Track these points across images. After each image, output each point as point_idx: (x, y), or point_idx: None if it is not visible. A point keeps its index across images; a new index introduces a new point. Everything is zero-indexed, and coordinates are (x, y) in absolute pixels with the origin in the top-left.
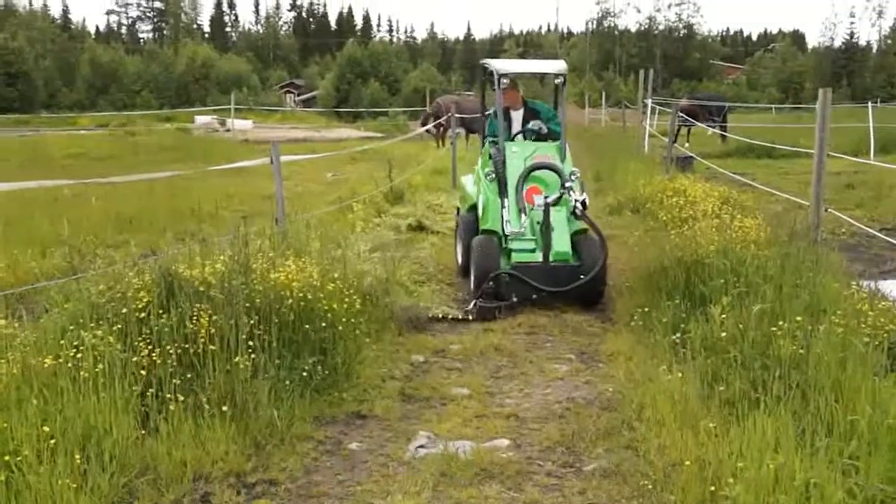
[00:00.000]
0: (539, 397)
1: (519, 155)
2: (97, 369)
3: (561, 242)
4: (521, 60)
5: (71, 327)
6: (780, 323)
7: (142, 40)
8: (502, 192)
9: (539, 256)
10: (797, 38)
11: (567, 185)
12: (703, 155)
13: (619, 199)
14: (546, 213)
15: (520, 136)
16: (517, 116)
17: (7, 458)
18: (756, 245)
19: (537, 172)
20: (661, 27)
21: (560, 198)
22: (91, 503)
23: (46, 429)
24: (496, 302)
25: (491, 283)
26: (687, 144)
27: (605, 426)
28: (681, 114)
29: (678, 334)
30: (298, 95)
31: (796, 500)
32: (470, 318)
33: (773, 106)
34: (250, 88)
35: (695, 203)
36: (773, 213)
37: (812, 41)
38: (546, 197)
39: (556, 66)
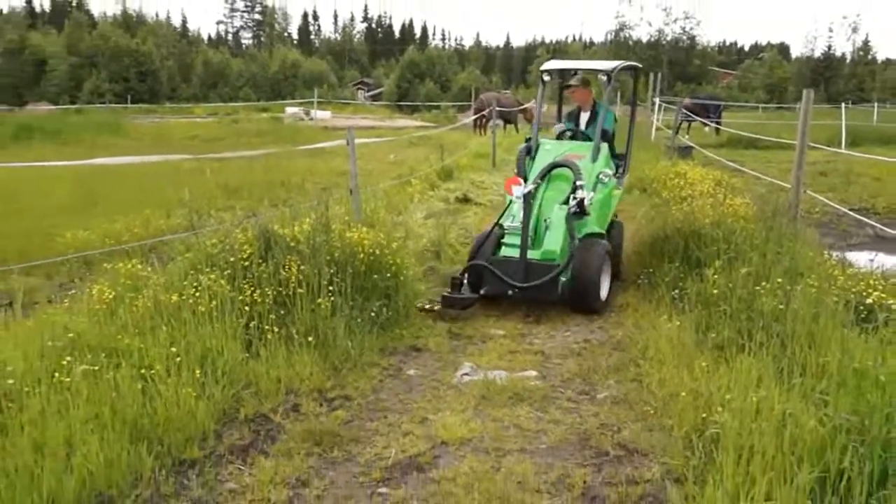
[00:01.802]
0: (561, 339)
1: (550, 153)
2: (211, 305)
3: (551, 241)
4: (571, 61)
5: (191, 272)
6: (764, 283)
7: (244, 45)
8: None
9: (535, 254)
10: (783, 49)
11: (578, 183)
12: (700, 145)
13: (630, 180)
14: (526, 207)
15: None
16: (584, 118)
17: (143, 371)
18: (744, 219)
19: (560, 170)
20: (668, 38)
21: (570, 194)
22: (207, 408)
23: (174, 349)
24: (461, 295)
25: (465, 274)
26: (687, 136)
27: (616, 363)
28: (684, 111)
29: (677, 291)
30: (368, 91)
31: (774, 427)
32: (435, 308)
33: (760, 105)
34: (329, 85)
35: (693, 184)
36: (759, 194)
37: (795, 52)
38: (525, 189)
39: (604, 65)
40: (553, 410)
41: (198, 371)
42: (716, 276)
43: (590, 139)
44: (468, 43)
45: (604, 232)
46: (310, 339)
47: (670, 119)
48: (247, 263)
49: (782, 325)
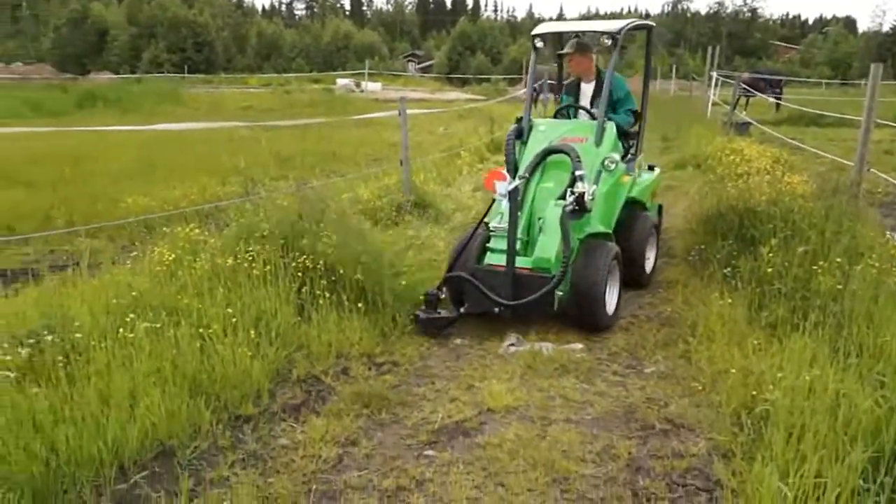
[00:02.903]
0: None
1: (545, 135)
2: (265, 269)
3: (545, 246)
4: (569, 22)
5: (244, 237)
6: (821, 263)
7: (297, 17)
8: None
9: (526, 262)
10: (849, 23)
11: (577, 173)
12: (758, 121)
13: (684, 157)
14: (513, 205)
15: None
16: (587, 89)
17: (202, 330)
18: (802, 198)
19: (557, 157)
20: (728, 10)
21: (568, 188)
22: (261, 367)
23: (230, 310)
24: (436, 314)
25: (442, 288)
26: (744, 112)
27: (664, 339)
28: (743, 85)
29: (729, 268)
30: (418, 63)
31: (828, 406)
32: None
33: (823, 81)
34: (380, 57)
35: (749, 161)
36: (819, 172)
37: (862, 26)
38: (511, 186)
39: (609, 25)
40: (599, 383)
41: (252, 332)
42: (771, 255)
43: (594, 116)
44: (520, 15)
45: (610, 231)
46: (360, 305)
47: (728, 94)
48: (302, 235)
49: (839, 306)
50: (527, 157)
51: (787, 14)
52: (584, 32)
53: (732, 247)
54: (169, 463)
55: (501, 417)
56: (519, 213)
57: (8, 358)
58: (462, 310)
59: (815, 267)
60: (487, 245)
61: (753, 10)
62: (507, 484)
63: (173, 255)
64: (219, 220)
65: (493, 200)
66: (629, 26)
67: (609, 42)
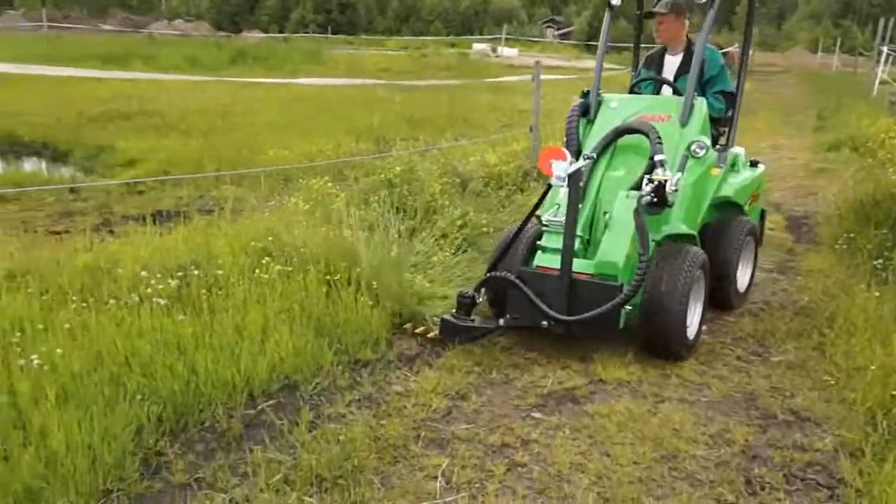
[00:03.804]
0: None
1: (618, 113)
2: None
3: (612, 247)
4: None
5: (371, 193)
6: None
7: None
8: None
9: (586, 266)
10: None
11: (657, 157)
12: None
13: (839, 137)
14: (574, 195)
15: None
16: (673, 62)
17: (328, 277)
18: None
19: (630, 139)
20: None
21: (643, 178)
22: (380, 317)
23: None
24: (469, 321)
25: (481, 290)
26: None
27: (797, 328)
28: None
29: (881, 260)
30: (557, 30)
31: None
32: (429, 335)
33: None
34: (518, 22)
35: None
36: None
37: None
38: (573, 167)
39: None
40: (720, 367)
41: (375, 283)
42: None
43: (679, 92)
44: None
45: (695, 233)
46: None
47: None
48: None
49: None
50: (593, 139)
51: None
52: None
53: (886, 237)
54: (292, 395)
55: (613, 389)
56: (580, 205)
57: (160, 287)
58: (501, 321)
59: None
60: (538, 242)
61: None
62: (613, 454)
63: (307, 206)
64: (349, 176)
65: (549, 187)
66: None
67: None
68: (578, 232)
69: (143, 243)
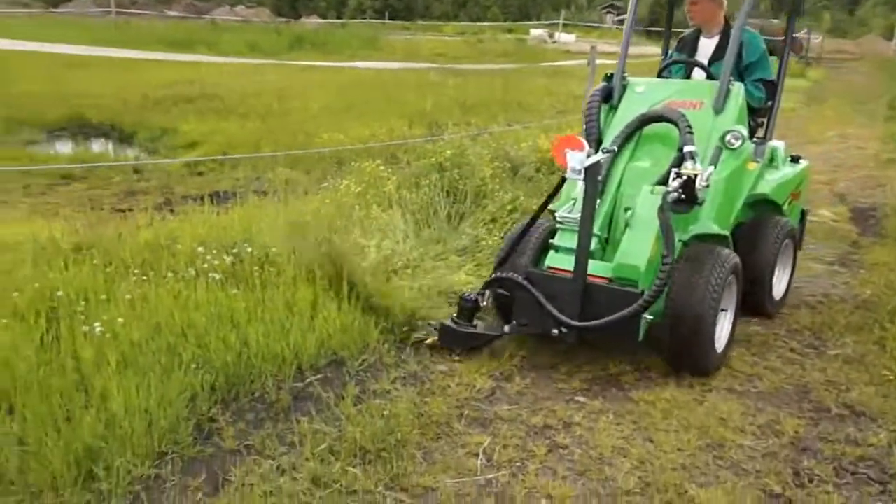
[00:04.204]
0: (794, 289)
1: (644, 98)
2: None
3: (634, 248)
4: None
5: (422, 176)
6: None
7: None
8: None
9: (604, 268)
10: None
11: (686, 149)
12: None
13: None
14: (592, 188)
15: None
16: (708, 45)
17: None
18: None
19: (658, 127)
20: None
21: (671, 173)
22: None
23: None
24: (471, 327)
25: (485, 292)
26: None
27: (856, 322)
28: None
29: None
30: (617, 15)
31: None
32: (427, 341)
33: None
34: (577, 7)
35: None
36: None
37: None
38: (591, 160)
39: None
40: (773, 358)
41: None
42: None
43: (713, 78)
44: None
45: (727, 234)
46: None
47: None
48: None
49: None
50: (616, 126)
51: None
52: None
53: None
54: (339, 370)
55: (659, 377)
56: (598, 200)
57: (216, 263)
58: (507, 328)
59: None
60: (551, 241)
61: None
62: (656, 440)
63: (359, 188)
64: (401, 159)
65: (563, 179)
66: None
67: None
68: (595, 230)
69: (201, 221)
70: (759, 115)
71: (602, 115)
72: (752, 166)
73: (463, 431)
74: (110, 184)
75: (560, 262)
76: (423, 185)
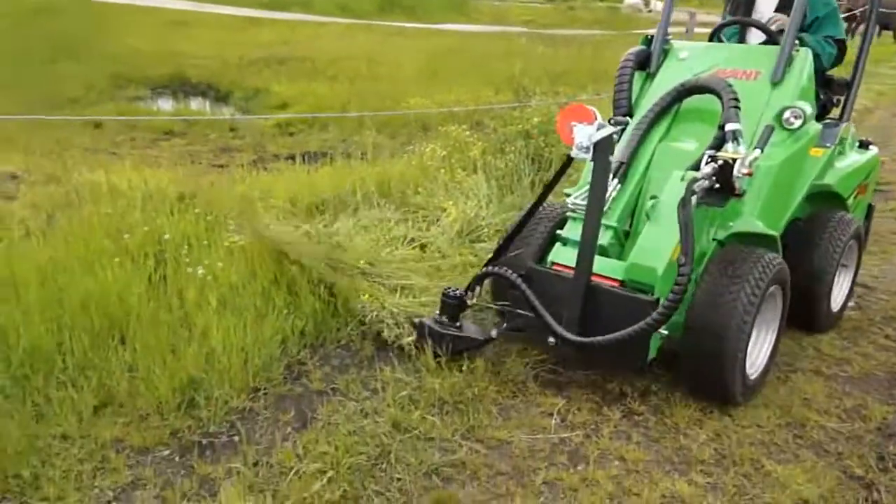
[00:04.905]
0: (895, 274)
1: (688, 66)
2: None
3: (651, 246)
4: None
5: (507, 142)
6: None
7: None
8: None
9: (613, 269)
10: None
11: (728, 127)
12: None
13: None
14: (599, 173)
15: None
16: (766, 4)
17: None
18: None
19: (698, 100)
20: None
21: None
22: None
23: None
24: (454, 328)
25: (472, 289)
26: None
27: None
28: None
29: None
30: None
31: None
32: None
33: None
34: None
35: None
36: None
37: None
38: (601, 134)
39: None
40: (864, 344)
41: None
42: None
43: (772, 39)
44: None
45: (775, 235)
46: None
47: None
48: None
49: None
50: (651, 98)
51: None
52: None
53: None
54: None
55: None
56: (620, 186)
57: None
58: (494, 332)
59: None
60: (559, 232)
61: None
62: (735, 415)
63: (444, 153)
64: (486, 126)
65: (568, 158)
66: None
67: None
68: (613, 222)
69: (293, 178)
70: (832, 90)
71: (636, 85)
72: (818, 152)
73: (538, 392)
74: (207, 140)
75: (566, 257)
76: (509, 152)
